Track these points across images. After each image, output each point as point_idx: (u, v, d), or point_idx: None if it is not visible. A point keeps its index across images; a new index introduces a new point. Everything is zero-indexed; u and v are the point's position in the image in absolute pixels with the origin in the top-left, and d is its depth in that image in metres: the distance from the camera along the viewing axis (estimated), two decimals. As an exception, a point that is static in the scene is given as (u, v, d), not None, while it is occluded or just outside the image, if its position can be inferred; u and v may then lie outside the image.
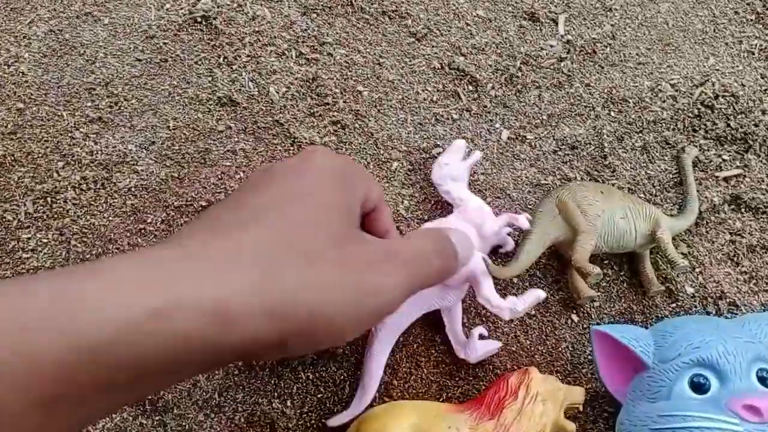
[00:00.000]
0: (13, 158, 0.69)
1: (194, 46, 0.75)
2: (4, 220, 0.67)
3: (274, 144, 0.71)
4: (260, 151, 0.71)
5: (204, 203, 0.68)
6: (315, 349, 0.31)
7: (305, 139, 0.71)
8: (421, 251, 0.36)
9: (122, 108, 0.72)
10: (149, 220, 0.67)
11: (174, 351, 0.25)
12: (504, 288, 0.65)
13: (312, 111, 0.73)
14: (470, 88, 0.76)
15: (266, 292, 0.28)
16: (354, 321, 0.30)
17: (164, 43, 0.75)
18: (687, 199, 0.70)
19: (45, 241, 0.66)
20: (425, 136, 0.72)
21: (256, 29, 0.76)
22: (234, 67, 0.74)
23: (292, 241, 0.30)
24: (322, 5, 0.78)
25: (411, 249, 0.35)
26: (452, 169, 0.60)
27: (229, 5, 0.77)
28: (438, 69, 0.76)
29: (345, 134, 0.72)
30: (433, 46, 0.78)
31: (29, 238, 0.66)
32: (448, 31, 0.79)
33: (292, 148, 0.71)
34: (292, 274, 0.29)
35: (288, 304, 0.28)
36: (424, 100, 0.75)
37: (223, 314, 0.26)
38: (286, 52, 0.75)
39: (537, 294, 0.54)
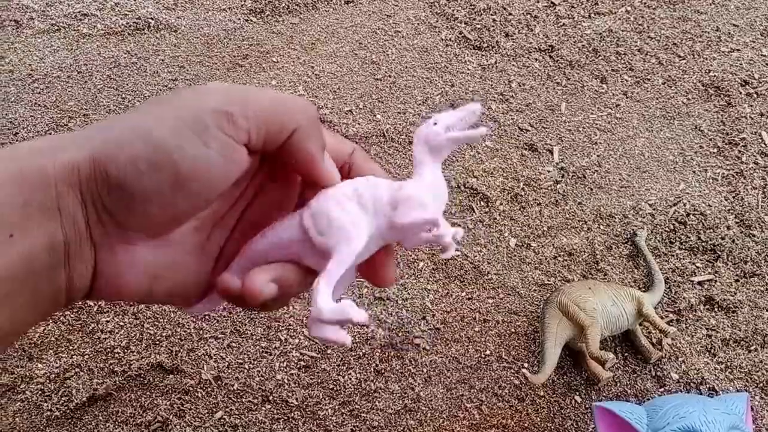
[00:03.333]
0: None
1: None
2: (86, 305, 0.77)
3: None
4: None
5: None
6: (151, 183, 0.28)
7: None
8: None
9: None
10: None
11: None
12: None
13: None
14: (482, 203, 0.90)
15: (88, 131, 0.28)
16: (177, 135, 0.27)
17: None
18: (653, 274, 0.83)
19: (122, 324, 0.77)
20: (445, 243, 0.85)
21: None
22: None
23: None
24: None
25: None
26: (436, 133, 0.35)
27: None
28: (455, 187, 0.91)
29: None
30: (451, 169, 0.93)
31: (108, 321, 0.77)
32: (463, 157, 0.95)
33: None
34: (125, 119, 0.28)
35: (103, 127, 0.28)
36: (444, 212, 0.89)
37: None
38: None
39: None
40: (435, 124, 0.35)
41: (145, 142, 0.27)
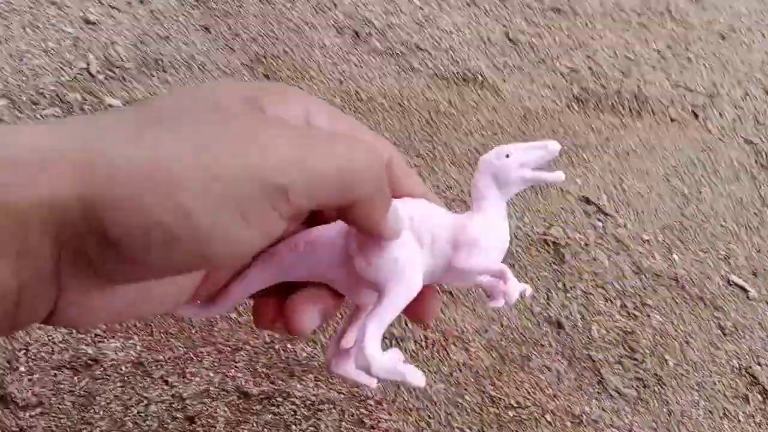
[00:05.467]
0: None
1: (540, 264, 0.89)
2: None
3: (582, 378, 0.82)
4: (569, 377, 0.82)
5: (513, 403, 0.79)
6: (151, 239, 0.21)
7: (611, 382, 0.81)
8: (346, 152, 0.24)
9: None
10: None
11: None
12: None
13: (620, 360, 0.83)
14: (759, 398, 0.83)
15: (83, 140, 0.21)
16: (211, 185, 0.21)
17: (516, 251, 0.90)
18: None
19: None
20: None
21: (595, 270, 0.89)
22: (568, 294, 0.87)
23: (162, 112, 0.23)
24: (652, 273, 0.90)
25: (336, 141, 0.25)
26: (508, 167, 0.31)
27: (576, 241, 0.91)
28: (735, 368, 0.84)
29: (644, 393, 0.81)
30: (735, 345, 0.86)
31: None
32: (751, 336, 0.88)
33: (598, 386, 0.81)
34: (129, 131, 0.21)
35: (104, 154, 0.20)
36: (718, 392, 0.82)
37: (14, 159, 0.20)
38: (612, 299, 0.87)
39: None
40: (507, 156, 0.31)
41: (167, 209, 0.20)
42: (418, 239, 0.28)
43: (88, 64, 0.96)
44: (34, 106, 0.88)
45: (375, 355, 0.26)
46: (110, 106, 0.91)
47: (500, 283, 0.29)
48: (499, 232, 0.30)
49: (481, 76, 1.15)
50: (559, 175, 0.30)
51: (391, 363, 0.26)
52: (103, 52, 1.00)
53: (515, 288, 0.29)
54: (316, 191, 0.23)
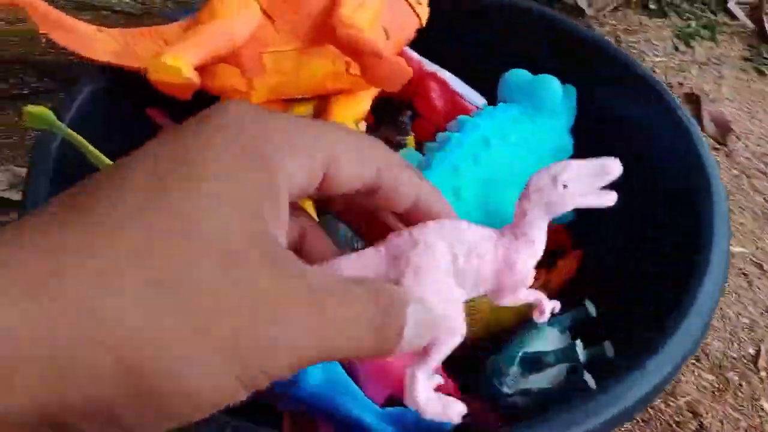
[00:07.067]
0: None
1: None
2: None
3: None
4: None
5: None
6: (160, 424, 0.18)
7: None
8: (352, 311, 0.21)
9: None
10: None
11: None
12: None
13: None
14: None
15: (56, 330, 0.16)
16: (217, 386, 0.18)
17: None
18: None
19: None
20: None
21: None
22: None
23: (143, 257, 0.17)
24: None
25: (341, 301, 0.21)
26: (565, 200, 0.27)
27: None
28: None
29: None
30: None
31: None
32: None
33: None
34: (106, 303, 0.17)
35: (87, 348, 0.16)
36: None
37: None
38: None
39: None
40: (565, 186, 0.27)
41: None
42: (460, 280, 0.26)
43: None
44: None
45: (422, 401, 0.25)
46: None
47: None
48: (539, 255, 0.28)
49: None
50: (612, 198, 0.28)
51: (438, 404, 0.25)
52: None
53: (546, 308, 0.28)
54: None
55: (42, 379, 0.16)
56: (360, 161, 0.23)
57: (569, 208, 0.27)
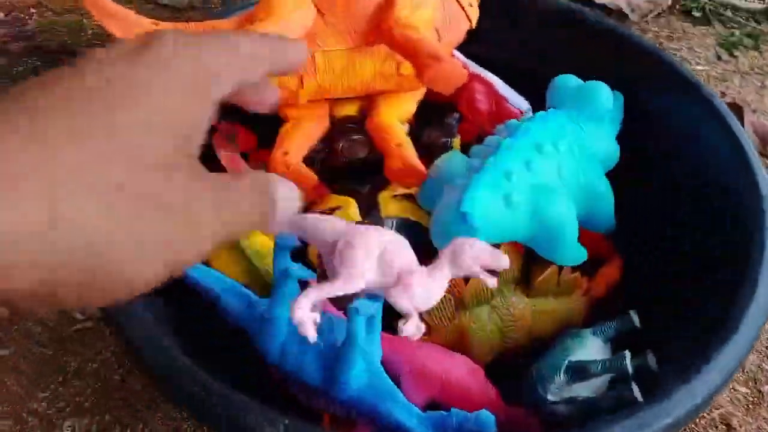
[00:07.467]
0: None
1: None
2: None
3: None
4: None
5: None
6: (95, 302, 0.22)
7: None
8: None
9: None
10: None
11: None
12: None
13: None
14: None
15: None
16: (151, 271, 0.22)
17: None
18: None
19: None
20: None
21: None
22: None
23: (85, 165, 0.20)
24: None
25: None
26: (466, 254, 0.35)
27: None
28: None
29: None
30: None
31: None
32: None
33: None
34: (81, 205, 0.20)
35: (60, 244, 0.20)
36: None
37: None
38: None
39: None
40: (471, 247, 0.34)
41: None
42: (379, 263, 0.33)
43: None
44: None
45: (297, 308, 0.32)
46: None
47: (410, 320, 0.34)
48: (434, 292, 0.34)
49: None
50: (492, 282, 0.34)
51: (300, 317, 0.32)
52: None
53: (412, 323, 0.33)
54: None
55: None
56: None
57: (466, 266, 0.34)
